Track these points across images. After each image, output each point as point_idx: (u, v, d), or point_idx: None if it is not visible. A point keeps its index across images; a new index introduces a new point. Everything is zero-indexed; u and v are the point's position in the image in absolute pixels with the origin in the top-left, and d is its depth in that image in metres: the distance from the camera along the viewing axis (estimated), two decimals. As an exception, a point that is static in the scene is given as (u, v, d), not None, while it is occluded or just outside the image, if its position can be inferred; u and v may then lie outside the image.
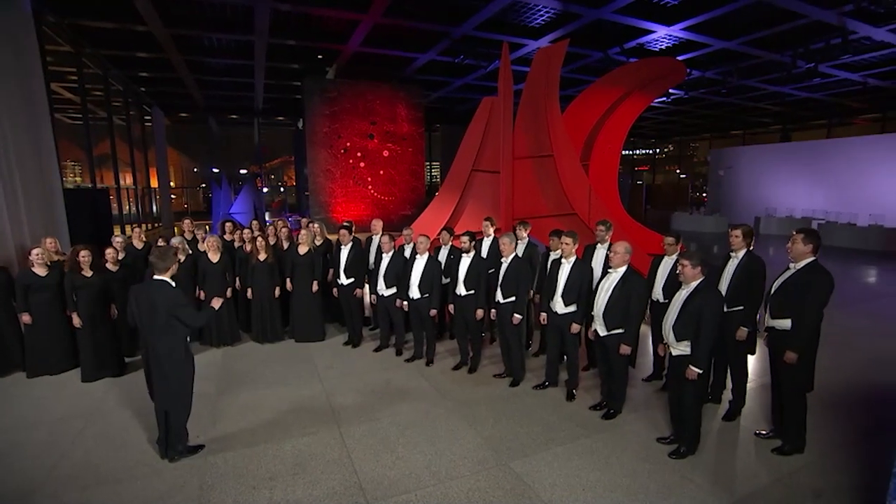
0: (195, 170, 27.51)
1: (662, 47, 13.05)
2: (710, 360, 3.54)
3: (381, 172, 16.21)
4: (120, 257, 5.69)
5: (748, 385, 4.47)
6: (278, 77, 15.69)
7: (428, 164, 22.86)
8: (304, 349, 6.12)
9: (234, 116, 21.66)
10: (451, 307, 5.37)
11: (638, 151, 29.64)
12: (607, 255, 4.85)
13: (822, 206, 15.58)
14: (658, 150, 28.98)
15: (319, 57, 14.36)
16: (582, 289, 4.50)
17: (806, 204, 15.98)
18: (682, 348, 3.61)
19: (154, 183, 20.21)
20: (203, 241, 6.31)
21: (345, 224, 6.16)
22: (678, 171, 27.62)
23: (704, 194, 24.44)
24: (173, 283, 3.63)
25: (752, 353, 4.28)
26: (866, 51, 12.44)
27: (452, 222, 7.84)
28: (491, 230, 6.11)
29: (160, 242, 6.10)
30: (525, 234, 5.78)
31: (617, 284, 4.11)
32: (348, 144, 15.70)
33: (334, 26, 12.15)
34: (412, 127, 16.69)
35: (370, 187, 16.14)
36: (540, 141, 7.92)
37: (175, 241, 5.94)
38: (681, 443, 3.77)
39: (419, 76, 15.99)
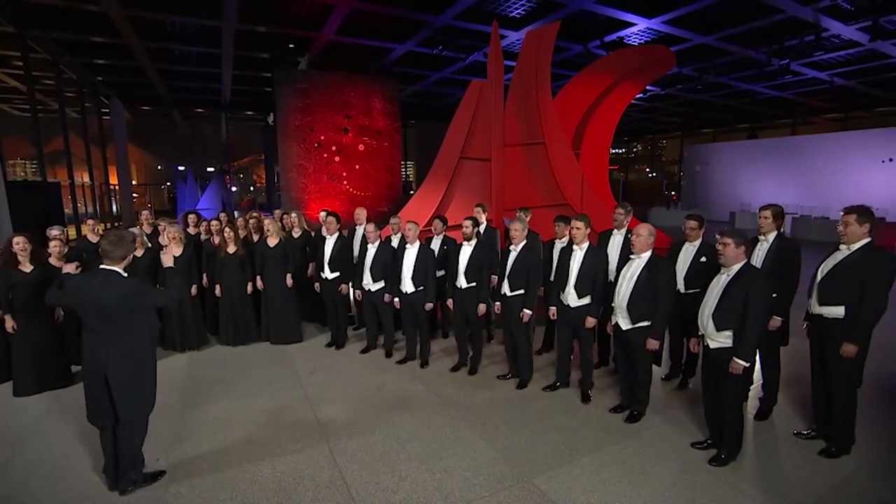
0: (159, 167, 25.94)
1: (642, 41, 12.81)
2: (756, 352, 3.07)
3: (357, 167, 15.45)
4: (65, 251, 4.85)
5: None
6: (247, 67, 14.74)
7: (402, 162, 22.15)
8: (282, 352, 5.40)
9: (200, 110, 20.40)
10: (449, 302, 4.77)
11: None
12: (626, 241, 4.39)
13: (793, 200, 15.79)
14: (628, 150, 29.17)
15: (291, 46, 13.51)
16: (597, 278, 3.98)
17: (778, 199, 16.00)
18: (722, 340, 3.13)
19: (114, 180, 18.81)
20: (164, 233, 5.51)
21: (331, 212, 5.47)
22: (648, 169, 27.87)
23: (674, 193, 24.67)
24: (125, 274, 2.90)
25: (785, 344, 3.85)
26: (835, 49, 12.51)
27: (440, 212, 7.24)
28: (483, 217, 5.56)
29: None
30: (483, 219, 5.28)
31: (642, 272, 3.60)
32: (322, 138, 14.87)
33: (307, 12, 11.37)
34: (388, 121, 15.98)
35: (345, 183, 15.36)
36: (531, 128, 7.42)
37: (134, 231, 5.12)
38: (721, 448, 3.28)
39: (395, 68, 15.33)
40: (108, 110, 17.60)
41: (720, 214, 18.94)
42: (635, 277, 3.61)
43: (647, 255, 3.64)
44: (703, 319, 3.21)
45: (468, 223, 4.55)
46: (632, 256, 3.72)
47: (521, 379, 4.44)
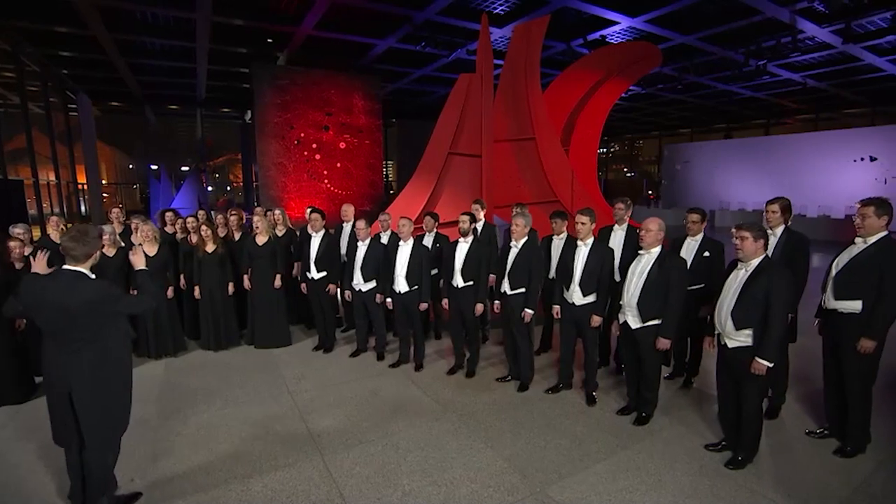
0: (130, 166, 24.89)
1: (625, 40, 12.79)
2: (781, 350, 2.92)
3: (339, 165, 15.04)
4: (27, 252, 4.42)
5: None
6: (224, 62, 14.18)
7: (384, 161, 21.74)
8: (267, 357, 5.06)
9: (173, 107, 19.58)
10: (444, 302, 4.52)
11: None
12: (629, 237, 4.25)
13: (770, 199, 16.01)
14: (606, 150, 29.43)
15: (269, 41, 13.05)
16: (603, 275, 3.79)
17: (756, 198, 16.38)
18: (741, 339, 2.96)
19: (82, 179, 17.89)
20: (137, 232, 5.11)
21: (315, 209, 5.16)
22: (626, 169, 28.18)
23: (650, 192, 24.95)
24: (92, 276, 2.56)
25: (793, 340, 3.73)
26: (810, 51, 12.72)
27: (429, 209, 6.99)
28: (481, 213, 5.34)
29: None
30: (482, 216, 5.08)
31: (652, 267, 3.42)
32: (302, 135, 14.42)
33: (286, 5, 10.95)
34: (369, 119, 15.62)
35: (326, 181, 14.93)
36: (520, 123, 7.26)
37: (107, 228, 4.72)
38: (737, 450, 3.13)
39: (376, 65, 14.99)
40: (74, 106, 16.72)
41: (699, 213, 19.14)
42: (645, 274, 3.43)
43: (656, 250, 3.47)
44: (721, 317, 3.05)
45: (465, 218, 4.32)
46: (640, 252, 3.54)
47: (522, 381, 4.23)
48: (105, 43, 11.85)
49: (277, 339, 5.30)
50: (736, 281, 3.03)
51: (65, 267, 2.48)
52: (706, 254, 4.00)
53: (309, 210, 5.43)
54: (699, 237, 4.10)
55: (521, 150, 7.29)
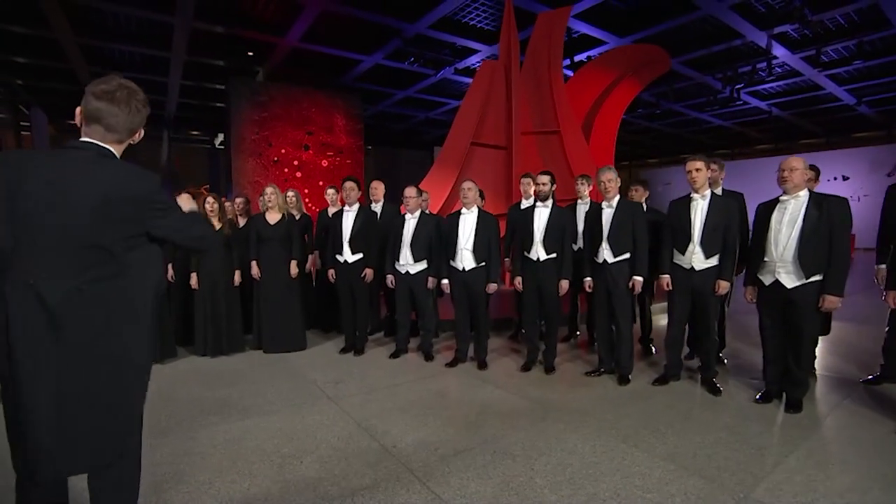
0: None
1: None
2: None
3: (321, 184, 14.07)
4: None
5: None
6: (199, 76, 13.18)
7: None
8: (284, 362, 3.95)
9: (137, 129, 18.08)
10: (517, 280, 3.64)
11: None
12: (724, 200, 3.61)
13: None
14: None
15: (250, 54, 12.25)
16: (729, 233, 3.07)
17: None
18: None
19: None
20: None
21: (350, 177, 4.27)
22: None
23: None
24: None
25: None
26: (780, 78, 13.19)
27: (452, 200, 6.20)
28: (587, 190, 4.58)
29: None
30: (587, 193, 4.32)
31: (807, 212, 2.74)
32: (283, 151, 13.47)
33: (272, 13, 10.23)
34: (350, 139, 14.87)
35: (307, 200, 13.86)
36: (544, 115, 6.71)
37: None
38: (953, 433, 2.39)
39: (357, 84, 14.41)
40: (27, 123, 15.03)
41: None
42: (799, 221, 2.74)
43: (804, 193, 2.81)
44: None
45: (545, 179, 3.52)
46: (783, 198, 2.86)
47: (622, 373, 3.36)
48: (67, 46, 10.64)
49: (291, 341, 4.20)
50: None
51: (84, 139, 1.40)
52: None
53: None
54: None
55: (544, 142, 6.71)
